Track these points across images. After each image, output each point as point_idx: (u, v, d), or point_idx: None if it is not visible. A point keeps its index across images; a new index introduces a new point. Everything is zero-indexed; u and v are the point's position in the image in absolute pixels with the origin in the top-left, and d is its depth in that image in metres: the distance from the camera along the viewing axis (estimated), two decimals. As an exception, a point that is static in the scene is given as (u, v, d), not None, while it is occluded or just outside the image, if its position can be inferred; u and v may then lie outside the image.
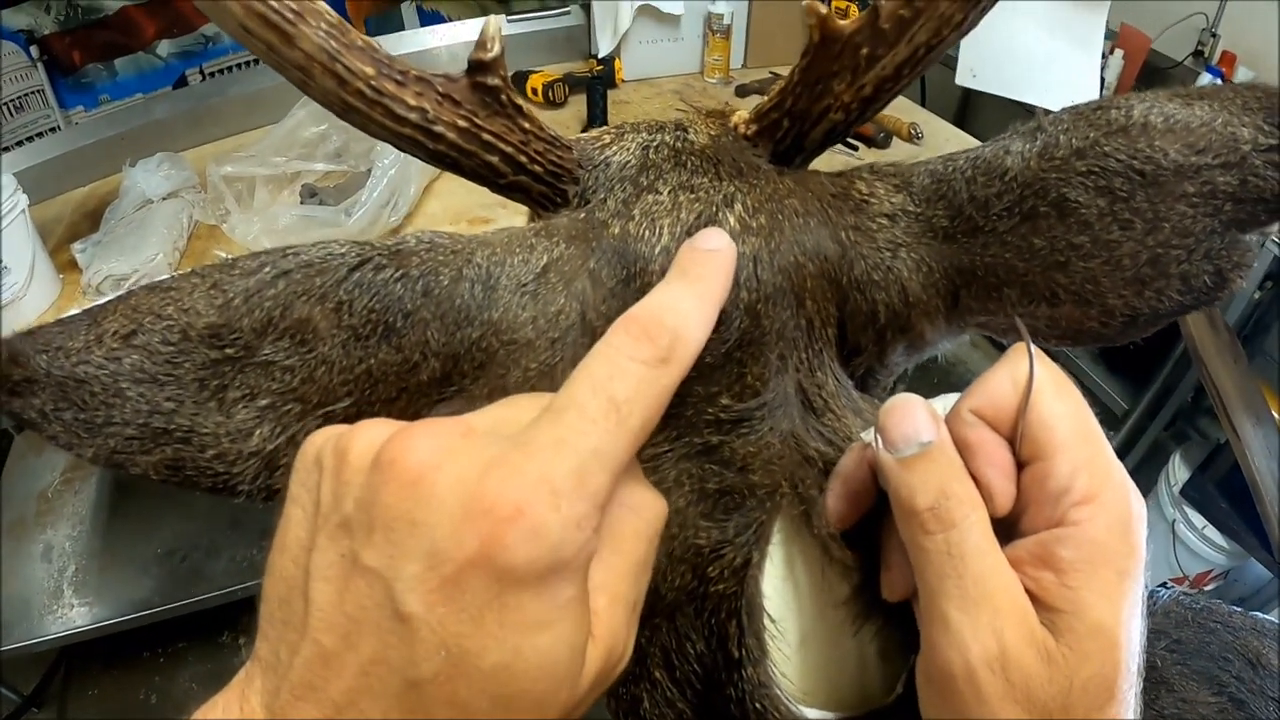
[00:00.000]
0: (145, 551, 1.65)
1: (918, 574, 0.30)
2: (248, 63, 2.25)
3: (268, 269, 0.34)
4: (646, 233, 0.35)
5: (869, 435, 0.33)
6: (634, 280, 0.35)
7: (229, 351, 0.33)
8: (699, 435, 0.35)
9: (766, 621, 0.34)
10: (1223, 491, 1.73)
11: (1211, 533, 1.75)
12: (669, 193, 0.37)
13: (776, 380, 0.35)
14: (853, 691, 0.35)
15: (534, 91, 1.80)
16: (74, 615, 1.58)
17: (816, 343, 0.36)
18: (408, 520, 0.24)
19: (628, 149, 0.39)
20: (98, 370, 0.33)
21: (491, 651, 0.24)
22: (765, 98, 0.39)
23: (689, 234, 0.35)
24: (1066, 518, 0.28)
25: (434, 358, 0.34)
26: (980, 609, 0.28)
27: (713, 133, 0.40)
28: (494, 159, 0.36)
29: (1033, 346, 0.30)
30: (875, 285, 0.36)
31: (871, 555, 0.34)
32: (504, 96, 0.36)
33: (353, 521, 0.25)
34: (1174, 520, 1.79)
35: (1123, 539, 0.28)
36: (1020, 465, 0.30)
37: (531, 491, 0.24)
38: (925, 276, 0.37)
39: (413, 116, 0.35)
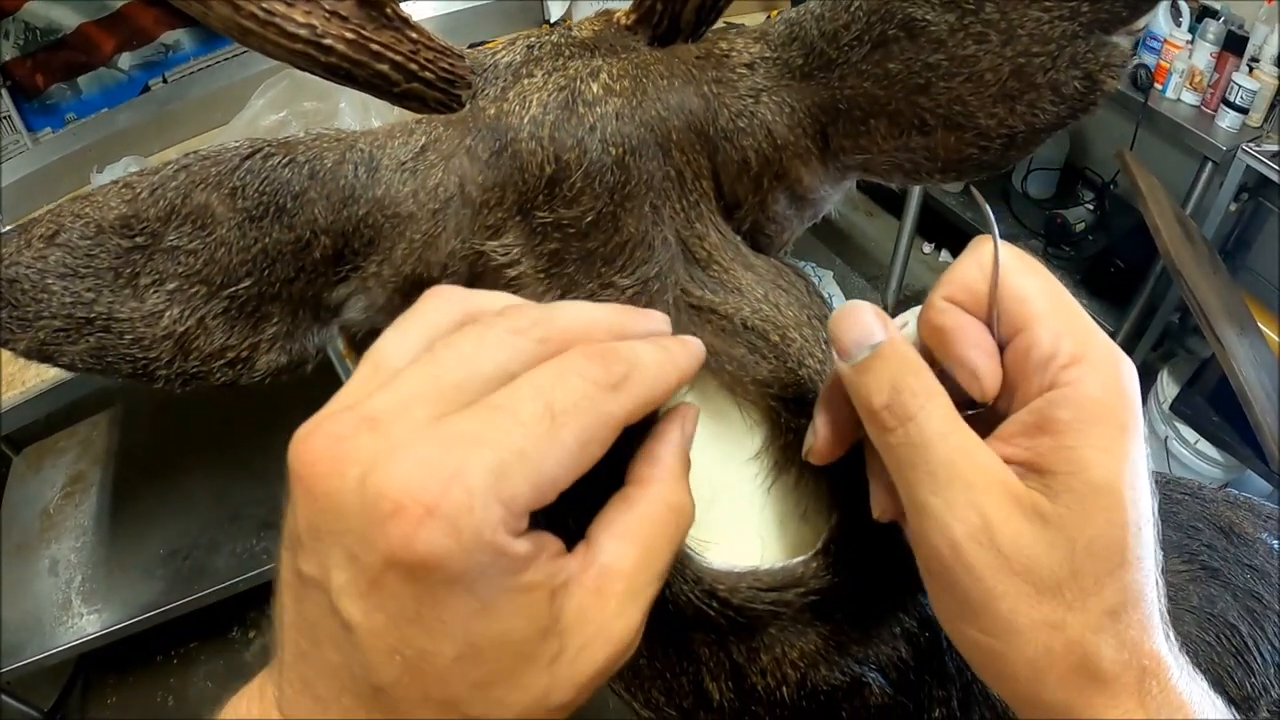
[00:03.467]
0: (149, 554, 1.68)
1: (892, 474, 0.30)
2: (211, 64, 2.25)
3: (171, 166, 0.37)
4: (518, 108, 0.37)
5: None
6: (505, 150, 0.37)
7: (138, 240, 0.36)
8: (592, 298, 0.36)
9: None
10: (1213, 404, 1.74)
11: (1205, 446, 1.76)
12: (542, 75, 0.38)
13: (654, 231, 0.36)
14: (770, 549, 0.36)
15: (490, 64, 1.80)
16: (84, 624, 1.61)
17: (691, 194, 0.37)
18: (325, 529, 0.23)
19: (515, 50, 0.40)
20: (26, 270, 0.35)
21: (447, 646, 0.23)
22: None
23: (555, 103, 0.37)
24: (1057, 380, 0.28)
25: (324, 235, 0.37)
26: (952, 488, 0.27)
27: (596, 28, 0.41)
28: (384, 68, 0.38)
29: (993, 222, 0.30)
30: (741, 132, 0.37)
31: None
32: (389, 10, 0.38)
33: (292, 533, 0.25)
34: (1166, 437, 1.80)
35: (1118, 395, 0.28)
36: (1001, 348, 0.30)
37: (443, 490, 0.22)
38: (789, 117, 0.38)
39: (303, 33, 0.36)
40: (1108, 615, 0.27)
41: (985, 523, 0.27)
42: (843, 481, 0.36)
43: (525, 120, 0.37)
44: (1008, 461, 0.28)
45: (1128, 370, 0.28)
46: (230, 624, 1.79)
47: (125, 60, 2.20)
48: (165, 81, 2.22)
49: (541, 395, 0.25)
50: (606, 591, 0.26)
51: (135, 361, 0.36)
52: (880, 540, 0.36)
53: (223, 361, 0.37)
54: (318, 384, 0.39)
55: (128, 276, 0.36)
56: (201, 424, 1.89)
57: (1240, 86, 1.74)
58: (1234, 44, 1.77)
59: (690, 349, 0.31)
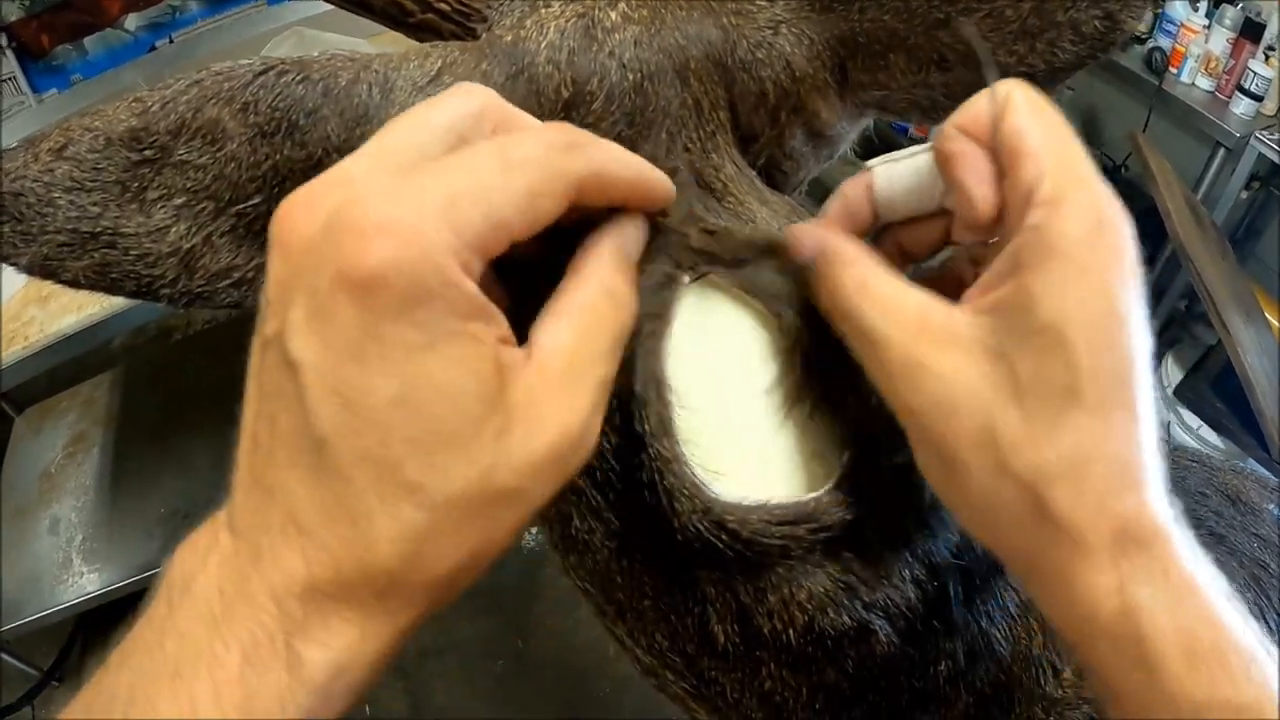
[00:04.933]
0: (149, 514, 1.68)
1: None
2: (218, 26, 2.23)
3: (183, 81, 0.36)
4: (535, 34, 0.37)
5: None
6: (521, 74, 0.37)
7: (147, 154, 0.35)
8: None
9: (674, 400, 0.35)
10: (1216, 391, 1.74)
11: (1207, 433, 1.76)
12: (560, 4, 0.38)
13: (668, 160, 0.36)
14: (781, 484, 0.36)
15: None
16: (85, 582, 1.61)
17: (708, 124, 0.37)
18: (291, 276, 0.24)
19: None
20: (33, 183, 0.35)
21: (381, 385, 0.23)
22: None
23: (573, 29, 0.37)
24: (1028, 219, 0.27)
25: (335, 153, 0.36)
26: (884, 342, 0.28)
27: None
28: None
29: (988, 56, 0.30)
30: (760, 63, 0.37)
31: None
32: None
33: (262, 306, 0.25)
34: (1168, 422, 1.80)
35: (1090, 237, 0.26)
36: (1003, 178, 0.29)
37: (397, 214, 0.23)
38: (808, 49, 0.38)
39: None
40: (1064, 463, 0.26)
41: (915, 366, 0.28)
42: (856, 419, 0.35)
43: (543, 45, 0.36)
44: (980, 311, 0.28)
45: (1111, 214, 0.27)
46: (229, 586, 1.80)
47: (131, 21, 2.19)
48: (171, 42, 2.21)
49: (497, 147, 0.25)
50: (548, 371, 0.26)
51: (139, 278, 0.36)
52: (892, 481, 0.36)
53: (228, 281, 0.37)
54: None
55: (135, 191, 0.35)
56: (203, 385, 1.89)
57: (1256, 74, 1.73)
58: (1251, 31, 1.75)
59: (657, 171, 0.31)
